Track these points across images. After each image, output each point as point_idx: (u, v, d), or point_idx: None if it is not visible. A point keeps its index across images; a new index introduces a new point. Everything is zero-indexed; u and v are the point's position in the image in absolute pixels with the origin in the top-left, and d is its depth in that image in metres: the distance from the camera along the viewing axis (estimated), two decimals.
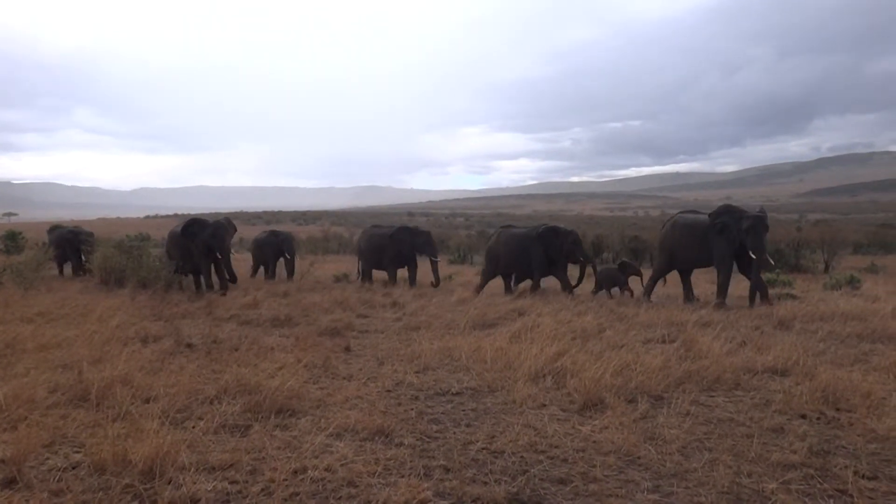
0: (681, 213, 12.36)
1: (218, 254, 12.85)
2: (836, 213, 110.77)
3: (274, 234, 17.42)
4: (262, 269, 17.23)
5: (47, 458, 3.57)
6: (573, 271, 13.12)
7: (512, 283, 13.48)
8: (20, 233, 26.28)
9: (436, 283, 14.32)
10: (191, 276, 13.61)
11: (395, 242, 14.76)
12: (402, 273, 15.13)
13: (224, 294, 12.09)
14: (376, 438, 3.94)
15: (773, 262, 11.32)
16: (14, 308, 8.97)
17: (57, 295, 10.96)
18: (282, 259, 16.80)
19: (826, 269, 21.59)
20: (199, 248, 12.88)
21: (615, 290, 12.68)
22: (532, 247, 12.82)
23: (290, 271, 16.45)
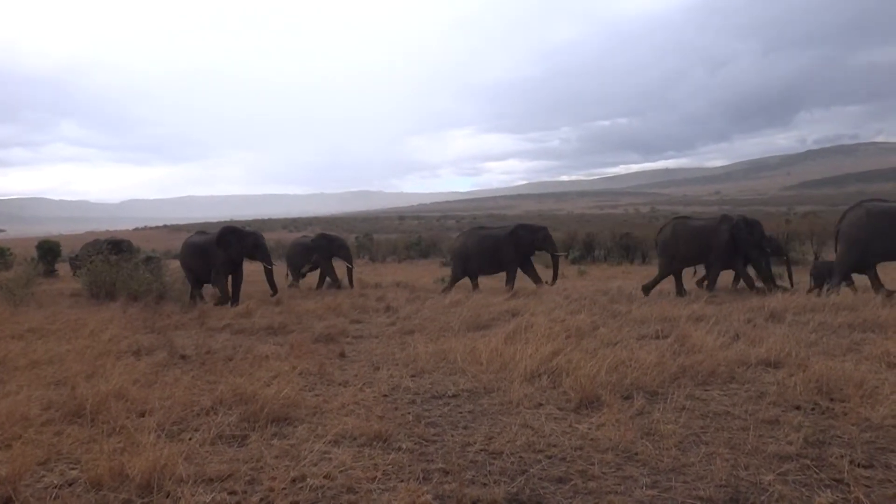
0: (867, 200, 11.31)
1: (265, 264, 12.77)
2: (825, 204, 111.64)
3: (326, 238, 16.50)
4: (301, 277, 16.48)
5: (43, 476, 3.54)
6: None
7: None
8: (8, 249, 26.07)
9: (554, 280, 13.75)
10: (187, 288, 13.43)
11: (516, 240, 13.96)
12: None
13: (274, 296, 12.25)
14: (374, 444, 3.93)
15: None
16: (4, 325, 8.90)
17: (48, 310, 10.89)
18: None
19: (816, 260, 21.72)
20: (235, 257, 12.56)
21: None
22: (716, 238, 11.97)
23: (350, 280, 15.80)
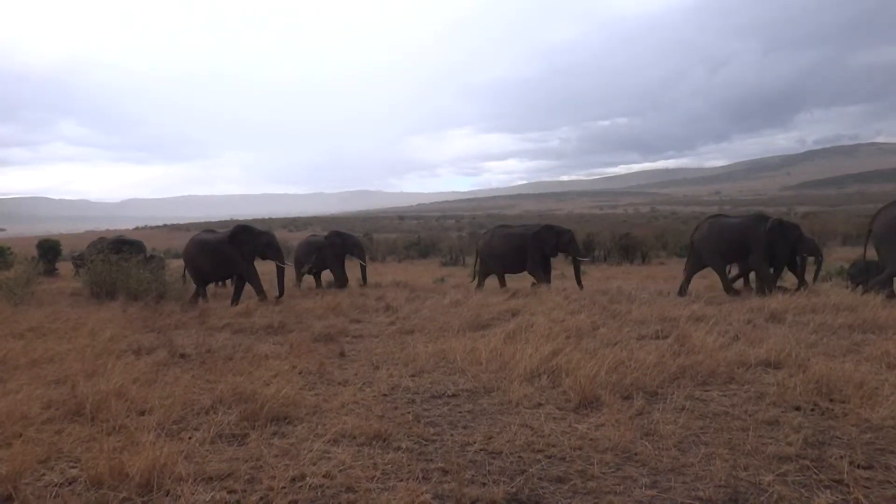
0: None
1: (278, 263, 12.75)
2: (825, 205, 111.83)
3: (339, 235, 16.20)
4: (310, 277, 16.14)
5: (43, 474, 3.55)
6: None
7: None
8: (8, 248, 26.04)
9: (580, 286, 13.47)
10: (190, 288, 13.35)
11: (539, 241, 13.84)
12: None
13: (278, 300, 12.14)
14: (374, 443, 3.94)
15: None
16: (4, 324, 8.90)
17: (48, 309, 10.88)
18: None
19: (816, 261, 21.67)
20: (247, 256, 12.58)
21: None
22: (757, 239, 11.70)
23: (363, 277, 15.71)
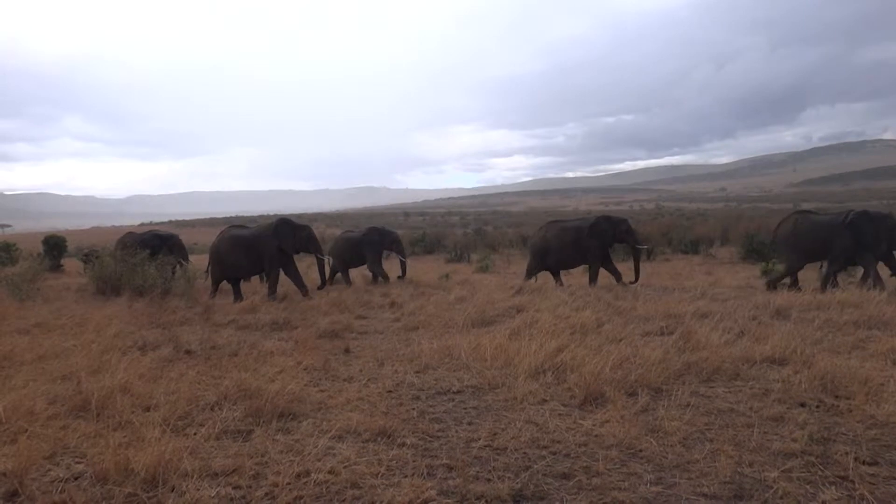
0: None
1: (318, 255, 12.90)
2: (831, 201, 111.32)
3: (378, 232, 15.98)
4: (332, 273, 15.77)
5: (49, 470, 3.56)
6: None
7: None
8: (14, 244, 26.16)
9: (637, 277, 13.17)
10: (213, 284, 13.25)
11: (598, 233, 13.46)
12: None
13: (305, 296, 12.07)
14: (379, 439, 3.94)
15: None
16: (10, 320, 8.94)
17: (53, 305, 10.92)
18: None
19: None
20: (289, 250, 12.56)
21: None
22: (839, 234, 11.34)
23: (403, 272, 15.57)
